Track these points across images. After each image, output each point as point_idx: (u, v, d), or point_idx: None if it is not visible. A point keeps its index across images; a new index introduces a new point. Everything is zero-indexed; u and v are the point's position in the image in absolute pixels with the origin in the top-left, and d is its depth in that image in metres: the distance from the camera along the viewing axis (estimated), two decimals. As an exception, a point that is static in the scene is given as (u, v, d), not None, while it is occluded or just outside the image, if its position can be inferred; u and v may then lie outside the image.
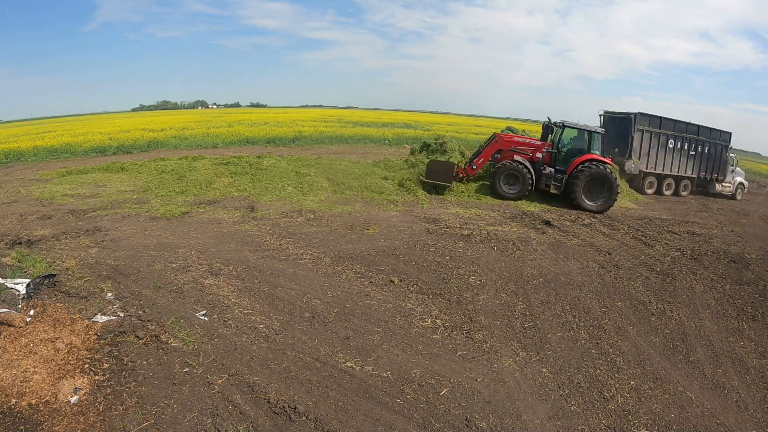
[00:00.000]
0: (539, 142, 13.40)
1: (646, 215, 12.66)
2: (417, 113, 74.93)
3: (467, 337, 5.80)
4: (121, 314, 5.27)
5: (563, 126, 13.21)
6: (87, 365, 4.36)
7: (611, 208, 12.76)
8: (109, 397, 4.02)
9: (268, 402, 4.21)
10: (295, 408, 4.16)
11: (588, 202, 12.63)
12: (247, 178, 13.54)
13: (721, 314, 7.01)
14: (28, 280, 5.43)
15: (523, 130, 19.15)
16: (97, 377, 4.22)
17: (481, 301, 6.66)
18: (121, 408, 3.91)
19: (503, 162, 12.93)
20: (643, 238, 10.00)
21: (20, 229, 8.25)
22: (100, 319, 5.13)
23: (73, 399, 3.93)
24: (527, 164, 12.79)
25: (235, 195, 11.76)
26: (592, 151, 12.87)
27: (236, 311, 5.67)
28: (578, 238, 9.61)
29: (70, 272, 6.20)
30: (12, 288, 5.21)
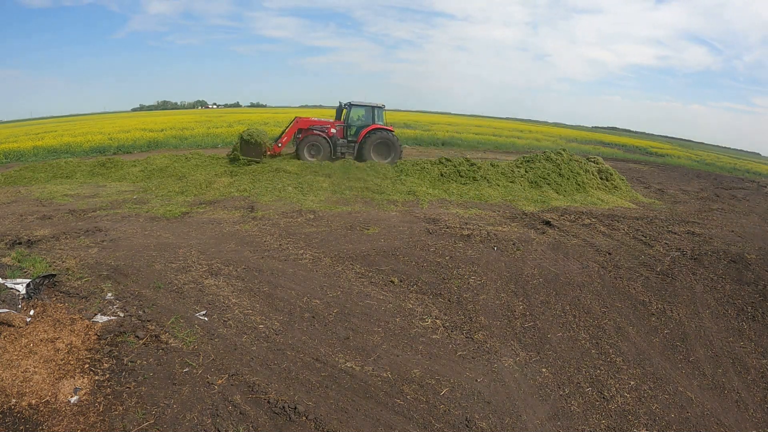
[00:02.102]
0: (332, 121, 16.77)
1: (646, 215, 12.65)
2: (417, 113, 74.99)
3: (467, 337, 5.80)
4: (121, 314, 5.27)
5: (350, 105, 16.74)
6: (87, 365, 4.36)
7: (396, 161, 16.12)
8: (109, 397, 4.02)
9: (268, 402, 4.21)
10: (295, 408, 4.17)
11: (378, 160, 16.10)
12: (247, 178, 13.54)
13: (721, 314, 7.01)
14: (28, 280, 5.43)
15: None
16: (97, 377, 4.22)
17: (481, 301, 6.65)
18: (121, 408, 3.91)
19: (306, 137, 16.38)
20: (643, 238, 9.99)
21: (20, 229, 8.25)
22: (100, 319, 5.13)
23: (73, 399, 3.93)
24: (325, 137, 16.37)
25: (235, 195, 11.76)
26: (375, 122, 16.53)
27: (236, 311, 5.67)
28: (578, 238, 9.61)
29: (70, 272, 6.20)
30: (12, 288, 5.21)
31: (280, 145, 16.73)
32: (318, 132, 16.42)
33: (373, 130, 16.38)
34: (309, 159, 16.12)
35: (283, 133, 17.02)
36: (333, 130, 16.53)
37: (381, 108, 16.94)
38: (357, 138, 16.42)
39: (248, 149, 15.94)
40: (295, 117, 17.10)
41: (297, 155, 16.29)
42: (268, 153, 16.41)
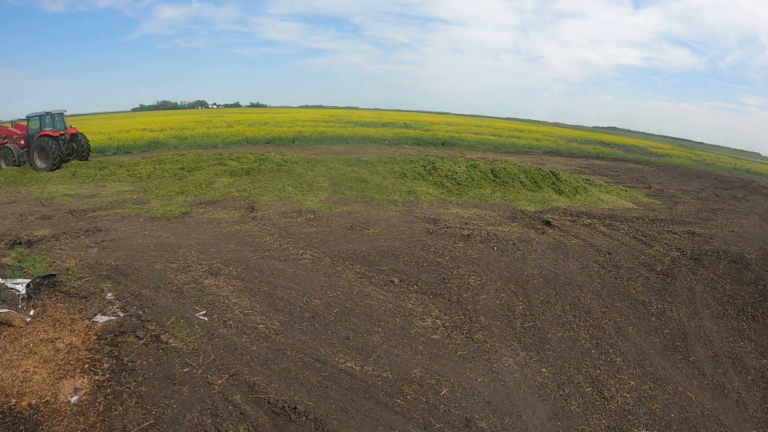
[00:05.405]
0: (20, 132, 16.89)
1: (646, 215, 12.66)
2: (417, 113, 75.03)
3: (467, 337, 5.80)
4: (121, 314, 5.27)
5: (27, 118, 16.85)
6: (87, 365, 4.36)
7: (56, 167, 16.00)
8: (109, 397, 4.02)
9: (268, 402, 4.21)
10: (295, 408, 4.17)
11: (40, 165, 15.96)
12: (248, 178, 13.54)
13: (721, 314, 7.01)
14: (28, 280, 5.43)
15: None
16: (97, 377, 4.22)
17: (481, 301, 6.65)
18: (121, 408, 3.91)
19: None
20: (643, 238, 9.99)
21: (20, 229, 8.25)
22: (100, 319, 5.13)
23: (73, 399, 3.93)
24: (12, 148, 16.54)
25: (235, 195, 11.76)
26: (44, 129, 16.35)
27: (236, 311, 5.67)
28: (578, 238, 9.61)
29: (70, 272, 6.20)
30: (12, 288, 5.21)
31: None
32: (10, 142, 16.83)
33: (39, 137, 16.49)
34: (2, 165, 16.46)
35: None
36: (22, 141, 16.82)
37: (51, 115, 17.00)
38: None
39: None
40: None
41: None
42: None
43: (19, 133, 16.97)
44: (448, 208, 11.56)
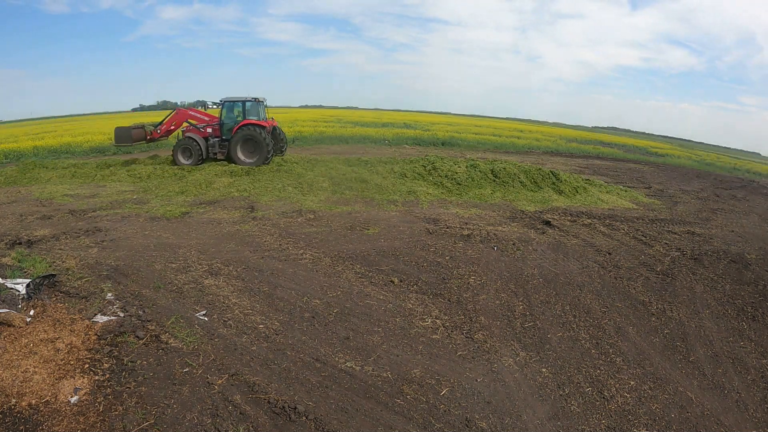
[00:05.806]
0: (208, 118, 15.15)
1: (646, 215, 12.65)
2: (417, 113, 75.06)
3: (467, 337, 5.80)
4: (121, 314, 5.27)
5: (223, 102, 15.16)
6: (87, 365, 4.36)
7: (266, 162, 14.70)
8: (109, 397, 4.02)
9: (268, 402, 4.21)
10: (295, 408, 4.17)
11: (245, 159, 14.62)
12: (248, 178, 13.53)
13: (721, 314, 7.01)
14: (28, 280, 5.43)
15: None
16: (97, 377, 4.22)
17: (481, 301, 6.65)
18: (121, 408, 3.91)
19: (179, 139, 15.00)
20: (643, 238, 9.99)
21: (20, 229, 8.25)
22: (100, 319, 5.13)
23: (73, 399, 3.93)
24: (197, 139, 14.71)
25: (234, 195, 11.76)
26: (248, 118, 14.73)
27: (236, 311, 5.67)
28: (578, 238, 9.61)
29: (70, 272, 6.20)
30: (12, 288, 5.21)
31: (159, 131, 15.81)
32: (194, 131, 15.38)
33: (243, 126, 14.92)
34: (182, 162, 14.90)
35: (163, 120, 15.90)
36: (209, 129, 15.47)
37: (253, 102, 15.40)
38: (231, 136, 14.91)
39: (120, 136, 15.11)
40: (176, 108, 15.71)
41: (173, 155, 15.28)
42: (147, 137, 15.85)
43: (206, 119, 14.95)
44: (448, 208, 11.56)
